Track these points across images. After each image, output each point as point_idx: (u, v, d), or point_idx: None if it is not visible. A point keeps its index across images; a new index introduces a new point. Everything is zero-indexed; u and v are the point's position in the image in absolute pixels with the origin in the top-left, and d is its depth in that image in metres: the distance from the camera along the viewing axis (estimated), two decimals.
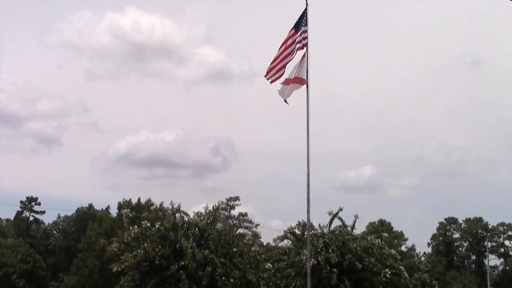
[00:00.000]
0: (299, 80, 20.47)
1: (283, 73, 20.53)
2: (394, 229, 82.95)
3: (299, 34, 20.45)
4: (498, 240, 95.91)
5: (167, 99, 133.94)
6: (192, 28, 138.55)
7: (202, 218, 28.78)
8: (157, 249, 26.54)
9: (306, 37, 20.44)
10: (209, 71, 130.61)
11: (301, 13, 20.78)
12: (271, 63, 20.50)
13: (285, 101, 20.58)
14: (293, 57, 20.50)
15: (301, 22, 20.57)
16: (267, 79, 20.57)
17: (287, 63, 20.49)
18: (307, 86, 20.55)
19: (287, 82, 20.49)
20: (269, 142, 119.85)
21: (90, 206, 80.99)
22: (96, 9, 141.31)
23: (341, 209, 31.14)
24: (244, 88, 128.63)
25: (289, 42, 20.53)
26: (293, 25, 20.70)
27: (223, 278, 26.37)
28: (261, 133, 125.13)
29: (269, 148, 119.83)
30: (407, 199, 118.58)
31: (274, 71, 20.52)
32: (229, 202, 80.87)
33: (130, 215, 28.93)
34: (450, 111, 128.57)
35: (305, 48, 20.44)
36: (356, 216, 31.37)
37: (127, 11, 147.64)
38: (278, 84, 20.61)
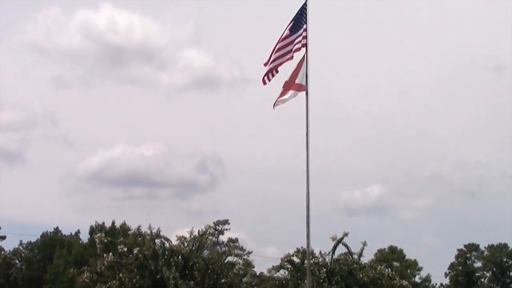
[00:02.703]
0: (298, 86, 20.49)
1: (274, 74, 20.55)
2: (406, 257, 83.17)
3: (298, 34, 20.49)
4: None
5: (146, 108, 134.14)
6: (176, 27, 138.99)
7: (186, 244, 28.76)
8: (134, 280, 26.50)
9: (306, 37, 20.47)
10: (195, 77, 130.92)
11: (298, 10, 20.86)
12: (267, 66, 20.54)
13: (276, 105, 20.59)
14: (291, 59, 20.53)
15: (299, 20, 20.64)
16: (264, 82, 20.62)
17: (280, 63, 20.50)
18: (307, 94, 20.47)
19: (286, 87, 20.52)
20: (263, 157, 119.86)
21: (57, 230, 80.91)
22: (66, 6, 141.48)
23: (346, 234, 31.11)
24: (235, 96, 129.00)
25: (283, 43, 20.55)
26: (288, 23, 20.73)
27: None
28: (254, 148, 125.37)
29: (263, 164, 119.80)
30: (421, 222, 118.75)
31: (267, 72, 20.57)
32: (217, 226, 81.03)
33: (104, 240, 28.89)
34: (471, 123, 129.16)
35: (304, 49, 20.47)
36: (365, 243, 31.33)
37: (101, 8, 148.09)
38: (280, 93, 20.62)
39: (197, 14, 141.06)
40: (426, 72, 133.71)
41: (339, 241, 31.02)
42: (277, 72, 20.60)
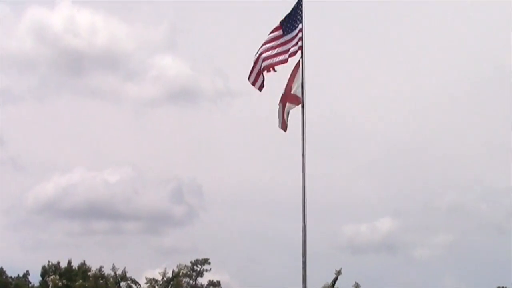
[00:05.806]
0: (292, 98, 20.54)
1: (261, 79, 20.68)
2: None
3: (292, 35, 20.61)
4: None
5: (111, 126, 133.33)
6: (148, 29, 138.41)
7: (158, 287, 28.70)
8: None
9: (302, 38, 20.55)
10: (170, 88, 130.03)
11: (291, 9, 21.03)
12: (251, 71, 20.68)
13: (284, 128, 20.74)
14: (286, 61, 20.66)
15: (293, 19, 20.78)
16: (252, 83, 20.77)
17: (273, 63, 20.64)
18: (303, 107, 20.51)
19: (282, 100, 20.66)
20: (250, 185, 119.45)
21: (2, 271, 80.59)
22: (15, 3, 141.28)
23: (339, 273, 31.13)
24: (217, 112, 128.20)
25: (275, 43, 20.70)
26: (279, 22, 20.91)
27: None
28: (239, 173, 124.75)
29: (251, 193, 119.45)
30: (441, 262, 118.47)
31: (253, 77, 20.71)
32: (195, 267, 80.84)
33: (59, 283, 28.82)
34: (499, 144, 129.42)
35: (299, 53, 20.54)
36: (357, 286, 31.35)
37: (58, 5, 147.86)
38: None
39: (173, 14, 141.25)
40: (445, 84, 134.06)
41: (333, 283, 31.01)
42: (271, 70, 20.72)
